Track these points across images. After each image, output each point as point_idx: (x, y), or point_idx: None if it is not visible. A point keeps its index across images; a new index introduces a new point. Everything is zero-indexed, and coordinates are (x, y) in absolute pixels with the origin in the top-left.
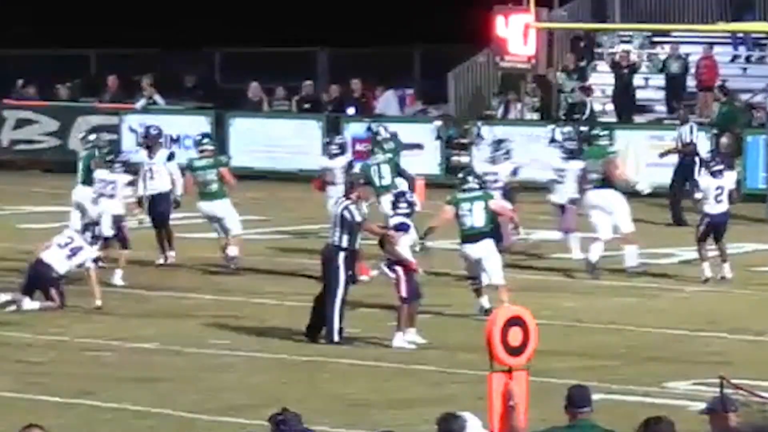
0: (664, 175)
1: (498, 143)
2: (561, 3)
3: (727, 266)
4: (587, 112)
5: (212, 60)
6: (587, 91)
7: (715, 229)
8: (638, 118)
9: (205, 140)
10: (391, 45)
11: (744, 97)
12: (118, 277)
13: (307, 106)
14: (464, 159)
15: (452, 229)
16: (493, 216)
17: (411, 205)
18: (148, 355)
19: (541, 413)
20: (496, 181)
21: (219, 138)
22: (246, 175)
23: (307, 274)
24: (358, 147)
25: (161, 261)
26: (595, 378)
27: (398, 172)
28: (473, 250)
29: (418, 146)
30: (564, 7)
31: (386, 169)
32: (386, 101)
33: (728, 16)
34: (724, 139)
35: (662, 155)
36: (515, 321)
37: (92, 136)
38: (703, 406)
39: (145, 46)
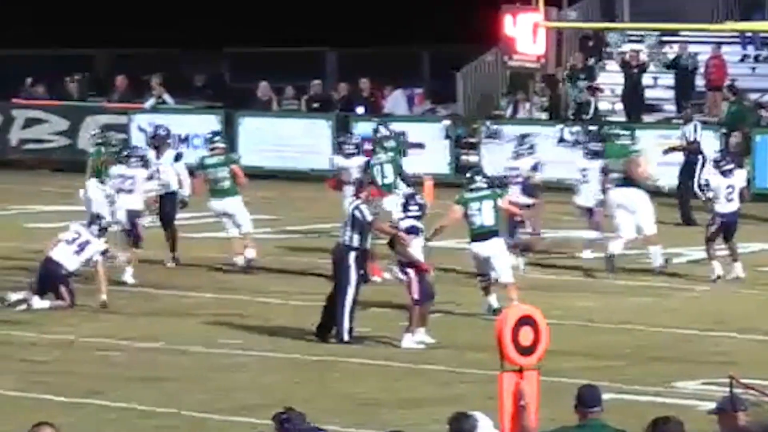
0: (671, 175)
1: (522, 138)
2: (570, 2)
3: (739, 266)
4: (591, 111)
5: (221, 59)
6: (593, 90)
7: (726, 228)
8: (647, 118)
9: (216, 138)
10: (400, 44)
11: (753, 96)
12: (128, 275)
13: (316, 105)
14: (473, 158)
15: (460, 228)
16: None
17: (422, 207)
18: (156, 355)
19: (551, 413)
20: (517, 176)
21: (228, 137)
22: (255, 175)
23: (316, 273)
24: (366, 146)
25: (171, 264)
26: (605, 378)
27: (398, 172)
28: (482, 248)
29: (420, 146)
30: (573, 7)
31: (389, 169)
32: (395, 101)
33: (737, 15)
34: (733, 139)
35: (666, 152)
36: (526, 320)
37: (99, 133)
38: (712, 405)
39: (153, 46)
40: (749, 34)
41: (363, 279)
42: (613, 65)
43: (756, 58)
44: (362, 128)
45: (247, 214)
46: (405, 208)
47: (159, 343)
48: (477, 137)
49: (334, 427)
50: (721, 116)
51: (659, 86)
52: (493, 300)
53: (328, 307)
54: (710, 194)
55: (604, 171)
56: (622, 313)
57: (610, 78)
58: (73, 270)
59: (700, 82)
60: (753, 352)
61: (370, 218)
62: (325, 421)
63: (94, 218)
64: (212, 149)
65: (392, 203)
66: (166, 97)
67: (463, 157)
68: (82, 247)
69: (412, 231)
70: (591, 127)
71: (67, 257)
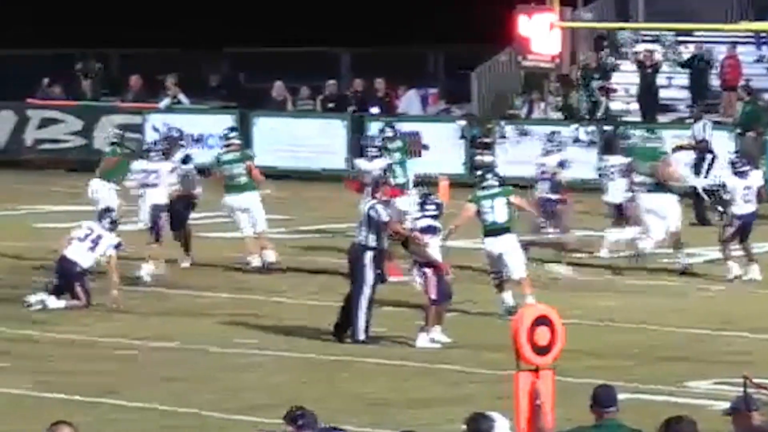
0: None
1: (552, 135)
2: (585, 2)
3: (756, 267)
4: (601, 111)
5: (236, 60)
6: (604, 90)
7: (742, 229)
8: (662, 118)
9: (232, 134)
10: (414, 44)
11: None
12: (145, 271)
13: (331, 105)
14: (488, 158)
15: (476, 228)
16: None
17: (439, 206)
18: (170, 354)
19: (567, 412)
20: (543, 172)
21: (243, 137)
22: (270, 175)
23: (330, 271)
24: None
25: (186, 264)
26: (620, 377)
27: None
28: (495, 244)
29: (424, 147)
30: (588, 7)
31: (399, 170)
32: (409, 100)
33: (751, 15)
34: (748, 139)
35: (674, 150)
36: (542, 320)
37: (114, 132)
38: (726, 405)
39: (167, 46)
40: (764, 35)
41: (380, 279)
42: (627, 65)
43: None
44: (376, 129)
45: (263, 212)
46: (422, 207)
47: (174, 343)
48: (491, 137)
49: (349, 427)
50: (735, 117)
51: (674, 86)
52: (507, 297)
53: (345, 307)
54: (727, 196)
55: (629, 170)
56: (637, 312)
57: (625, 78)
58: (88, 267)
59: (715, 82)
60: (767, 352)
61: (385, 218)
62: (335, 421)
63: (104, 212)
64: (228, 145)
65: (406, 203)
66: (182, 97)
67: (478, 157)
68: (95, 243)
69: (430, 230)
70: (606, 127)
71: (81, 255)
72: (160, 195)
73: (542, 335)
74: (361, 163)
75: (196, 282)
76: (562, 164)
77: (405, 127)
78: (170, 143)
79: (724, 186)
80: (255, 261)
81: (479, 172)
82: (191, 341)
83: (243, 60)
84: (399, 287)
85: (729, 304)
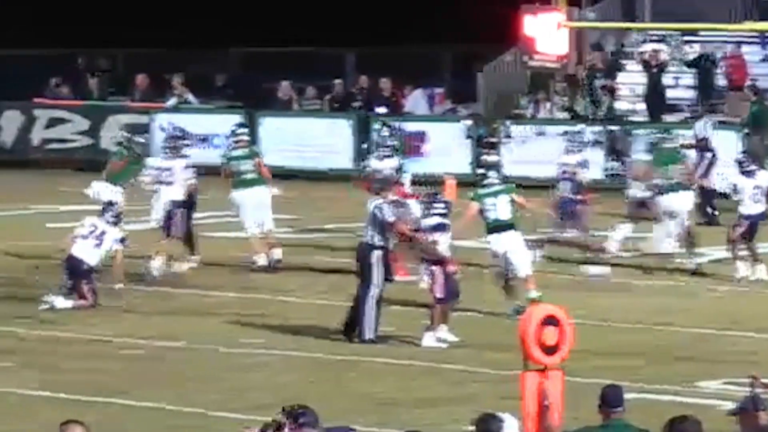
0: None
1: (574, 134)
2: (592, 2)
3: (762, 267)
4: (603, 110)
5: (242, 59)
6: (607, 90)
7: (750, 229)
8: (669, 118)
9: (240, 130)
10: (420, 44)
11: None
12: (154, 267)
13: (337, 105)
14: (493, 158)
15: (482, 226)
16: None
17: (447, 204)
18: (176, 354)
19: (574, 412)
20: (565, 172)
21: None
22: (276, 174)
23: (338, 271)
24: None
25: (193, 264)
26: (627, 377)
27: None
28: (499, 241)
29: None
30: (594, 7)
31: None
32: (415, 100)
33: (756, 15)
34: (754, 139)
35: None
36: (550, 320)
37: (121, 135)
38: (732, 405)
39: (174, 46)
40: None
41: (387, 278)
42: (633, 65)
43: None
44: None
45: (270, 211)
46: (431, 206)
47: (180, 343)
48: (497, 137)
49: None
50: (743, 117)
51: (680, 86)
52: (519, 300)
53: (354, 306)
54: (736, 197)
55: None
56: (643, 312)
57: (630, 78)
58: (94, 264)
59: (721, 82)
60: None
61: (390, 218)
62: (342, 420)
63: (107, 206)
64: (236, 141)
65: (417, 206)
66: (189, 96)
67: (484, 157)
68: (100, 239)
69: (439, 228)
70: (612, 128)
71: (87, 252)
72: (176, 192)
73: (550, 335)
74: (374, 163)
75: (203, 281)
76: (583, 164)
77: (411, 126)
78: (175, 143)
79: (734, 187)
80: (261, 260)
81: (481, 171)
82: (198, 341)
83: (249, 60)
84: (406, 287)
85: (736, 304)
